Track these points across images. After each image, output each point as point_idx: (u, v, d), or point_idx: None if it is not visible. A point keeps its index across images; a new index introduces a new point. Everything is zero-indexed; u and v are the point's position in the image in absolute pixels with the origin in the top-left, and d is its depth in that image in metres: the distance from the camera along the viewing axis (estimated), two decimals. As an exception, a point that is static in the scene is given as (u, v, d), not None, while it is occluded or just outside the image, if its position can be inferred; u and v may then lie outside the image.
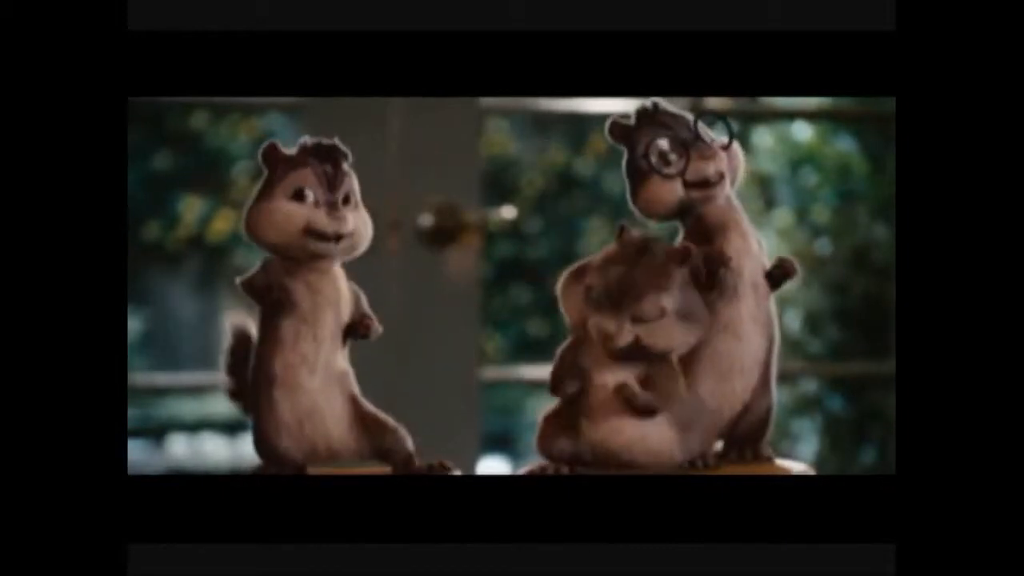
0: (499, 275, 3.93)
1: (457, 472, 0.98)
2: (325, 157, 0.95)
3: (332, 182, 0.94)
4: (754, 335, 1.00)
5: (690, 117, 1.01)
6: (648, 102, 1.01)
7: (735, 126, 1.03)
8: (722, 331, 0.99)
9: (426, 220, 1.80)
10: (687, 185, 0.99)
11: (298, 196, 0.94)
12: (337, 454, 0.95)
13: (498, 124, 3.96)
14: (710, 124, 1.02)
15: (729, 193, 1.02)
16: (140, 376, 3.04)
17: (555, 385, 0.96)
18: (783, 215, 3.39)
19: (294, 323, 0.95)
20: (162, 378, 3.48)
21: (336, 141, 0.96)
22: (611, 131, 1.01)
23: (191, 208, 4.10)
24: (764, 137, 3.41)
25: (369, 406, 0.96)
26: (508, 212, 1.99)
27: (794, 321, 3.28)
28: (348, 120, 1.81)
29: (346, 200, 0.95)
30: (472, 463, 1.83)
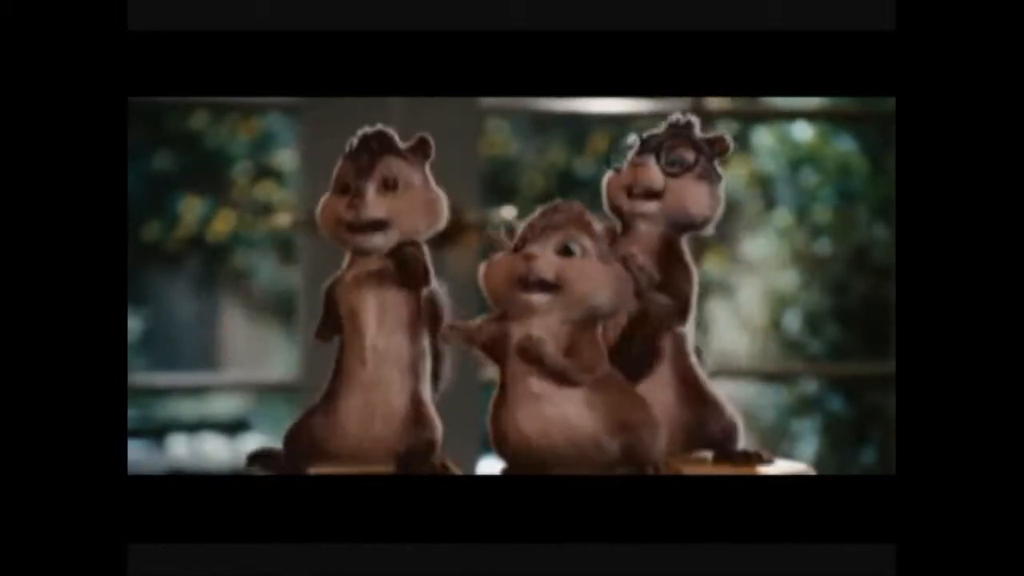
0: (499, 275, 3.91)
1: (458, 472, 0.98)
2: (362, 147, 0.96)
3: (362, 171, 0.95)
4: (667, 370, 1.00)
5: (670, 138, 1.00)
6: (684, 117, 1.01)
7: (730, 138, 1.02)
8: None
9: (426, 220, 1.79)
10: (629, 194, 1.00)
11: (343, 190, 0.95)
12: (380, 451, 0.95)
13: (498, 124, 3.95)
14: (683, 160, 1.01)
15: (661, 223, 1.00)
16: (140, 376, 3.04)
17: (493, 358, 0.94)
18: (783, 215, 3.39)
19: (347, 325, 0.96)
20: (162, 378, 3.48)
21: (380, 127, 0.97)
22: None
23: (191, 208, 4.10)
24: (764, 137, 3.41)
25: (427, 402, 0.96)
26: (508, 212, 1.98)
27: (794, 321, 3.28)
28: (348, 120, 1.81)
29: (386, 185, 0.95)
30: (472, 463, 1.83)
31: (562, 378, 0.91)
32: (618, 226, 0.99)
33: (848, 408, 3.22)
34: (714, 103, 2.28)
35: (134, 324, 4.05)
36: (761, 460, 1.00)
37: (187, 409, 4.20)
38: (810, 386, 3.26)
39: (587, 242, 0.92)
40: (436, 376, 0.98)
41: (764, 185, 3.42)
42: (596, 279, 0.92)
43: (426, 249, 0.98)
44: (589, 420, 0.92)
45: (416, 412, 0.95)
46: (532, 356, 0.91)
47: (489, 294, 0.94)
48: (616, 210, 1.01)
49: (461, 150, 1.86)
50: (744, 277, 3.49)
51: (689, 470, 0.97)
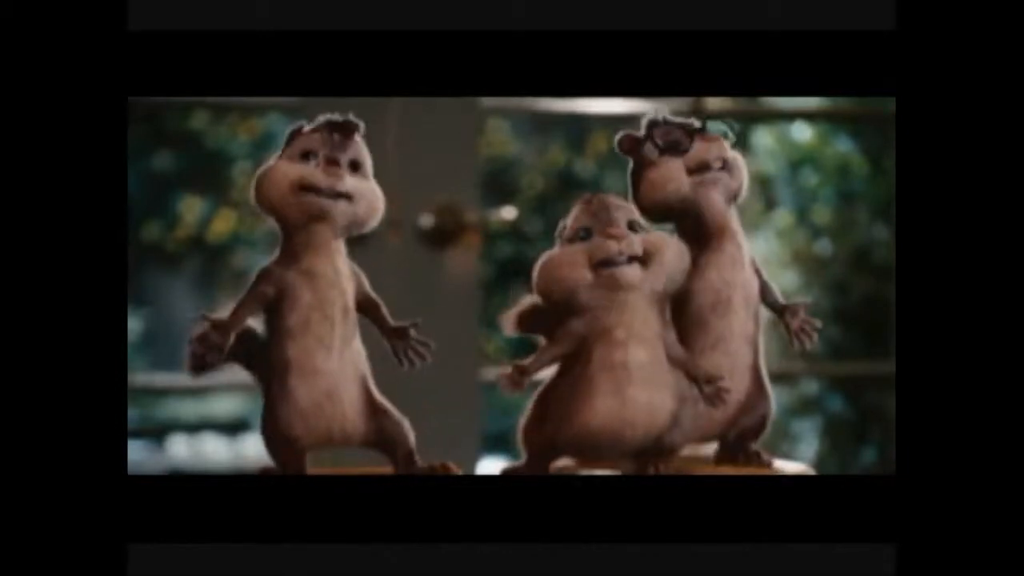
0: (499, 275, 3.93)
1: (458, 472, 0.98)
2: (335, 127, 0.96)
3: (336, 145, 0.95)
4: (742, 350, 1.00)
5: (696, 122, 1.01)
6: (658, 114, 1.01)
7: (736, 128, 1.03)
8: (711, 348, 0.99)
9: (426, 220, 1.80)
10: (689, 172, 1.00)
11: (304, 157, 0.95)
12: (349, 437, 0.96)
13: (498, 124, 3.95)
14: (720, 130, 1.02)
15: (727, 195, 1.01)
16: (140, 376, 3.04)
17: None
18: (783, 215, 3.39)
19: (303, 311, 0.95)
20: (162, 378, 3.48)
21: (350, 116, 0.97)
22: (620, 144, 1.02)
23: (191, 208, 4.10)
24: (764, 137, 3.41)
25: (380, 396, 0.97)
26: (508, 212, 1.99)
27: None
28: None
29: (354, 166, 0.95)
30: (472, 463, 1.83)
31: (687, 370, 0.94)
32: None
33: (848, 408, 3.21)
34: (714, 103, 2.28)
35: (134, 324, 4.05)
36: (761, 460, 1.00)
37: (187, 409, 4.20)
38: (810, 386, 3.26)
39: (642, 220, 0.95)
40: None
41: (764, 185, 3.41)
42: (675, 249, 0.94)
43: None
44: (669, 404, 0.94)
45: (374, 402, 0.96)
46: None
47: (557, 286, 0.94)
48: (667, 202, 1.00)
49: (461, 150, 1.86)
50: (744, 277, 3.48)
51: (690, 470, 0.97)
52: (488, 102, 1.99)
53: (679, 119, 1.01)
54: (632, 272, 0.93)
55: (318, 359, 0.94)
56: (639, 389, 0.93)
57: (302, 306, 0.94)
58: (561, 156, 4.04)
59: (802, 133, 3.36)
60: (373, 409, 0.96)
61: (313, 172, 0.94)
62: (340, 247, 0.96)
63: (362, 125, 0.97)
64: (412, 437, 0.97)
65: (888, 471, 2.85)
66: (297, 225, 0.95)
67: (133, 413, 3.63)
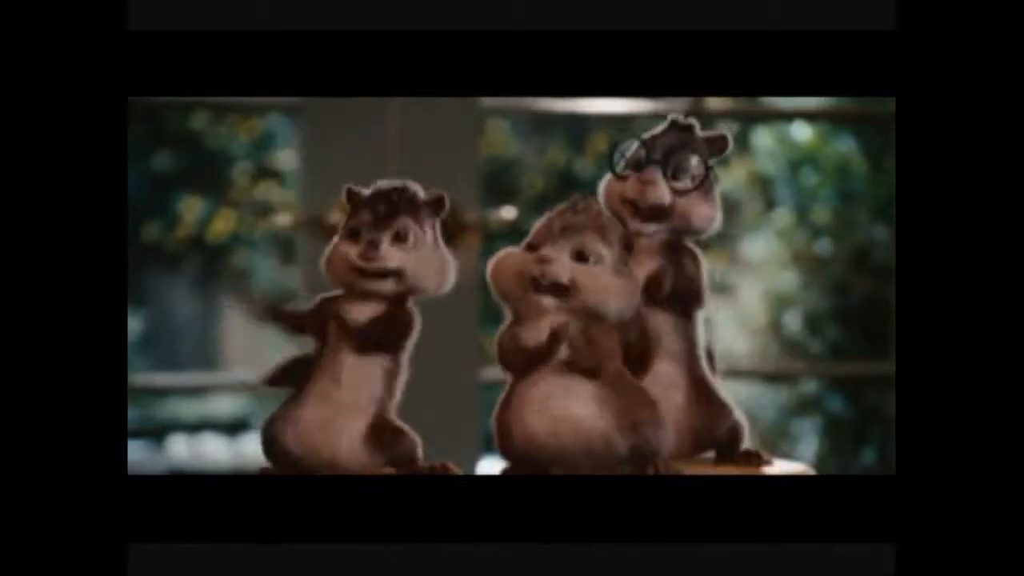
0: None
1: (458, 472, 0.98)
2: (382, 198, 0.96)
3: (381, 221, 0.95)
4: (670, 370, 0.99)
5: (645, 154, 1.00)
6: (684, 119, 1.01)
7: (712, 164, 1.01)
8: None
9: (426, 220, 1.80)
10: (634, 208, 0.99)
11: (353, 236, 0.96)
12: (340, 466, 0.96)
13: (498, 124, 3.96)
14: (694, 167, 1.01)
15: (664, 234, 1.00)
16: (140, 376, 3.04)
17: (507, 366, 0.94)
18: (783, 215, 3.39)
19: (330, 341, 0.96)
20: (162, 378, 3.48)
21: (404, 182, 0.97)
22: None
23: (191, 208, 4.10)
24: (764, 137, 3.41)
25: (393, 418, 0.97)
26: (508, 212, 1.98)
27: (794, 322, 3.28)
28: (348, 120, 1.81)
29: (397, 237, 0.95)
30: (472, 463, 1.83)
31: (586, 370, 0.92)
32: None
33: (848, 408, 3.21)
34: (714, 103, 2.28)
35: (134, 324, 4.05)
36: (761, 460, 1.00)
37: (187, 409, 4.20)
38: (810, 386, 3.26)
39: (603, 249, 0.93)
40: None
41: (764, 185, 3.42)
42: (608, 289, 0.93)
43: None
44: (598, 418, 0.92)
45: (381, 432, 0.96)
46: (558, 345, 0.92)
47: (497, 289, 0.95)
48: (616, 215, 1.00)
49: (461, 150, 1.86)
50: (744, 277, 3.49)
51: (689, 470, 0.97)
52: (488, 102, 1.99)
53: (638, 148, 1.00)
54: (546, 300, 0.93)
55: (327, 386, 0.96)
56: (559, 402, 0.92)
57: (330, 339, 0.96)
58: (561, 156, 4.04)
59: (802, 133, 3.37)
60: (383, 435, 0.96)
61: (352, 256, 0.95)
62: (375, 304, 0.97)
63: (411, 190, 0.97)
64: (420, 451, 0.97)
65: (888, 471, 2.85)
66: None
67: (133, 413, 3.63)
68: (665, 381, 0.98)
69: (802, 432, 3.24)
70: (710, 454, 1.01)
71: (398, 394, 0.97)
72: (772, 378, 3.18)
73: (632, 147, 1.01)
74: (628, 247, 0.95)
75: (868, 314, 3.14)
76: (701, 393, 1.00)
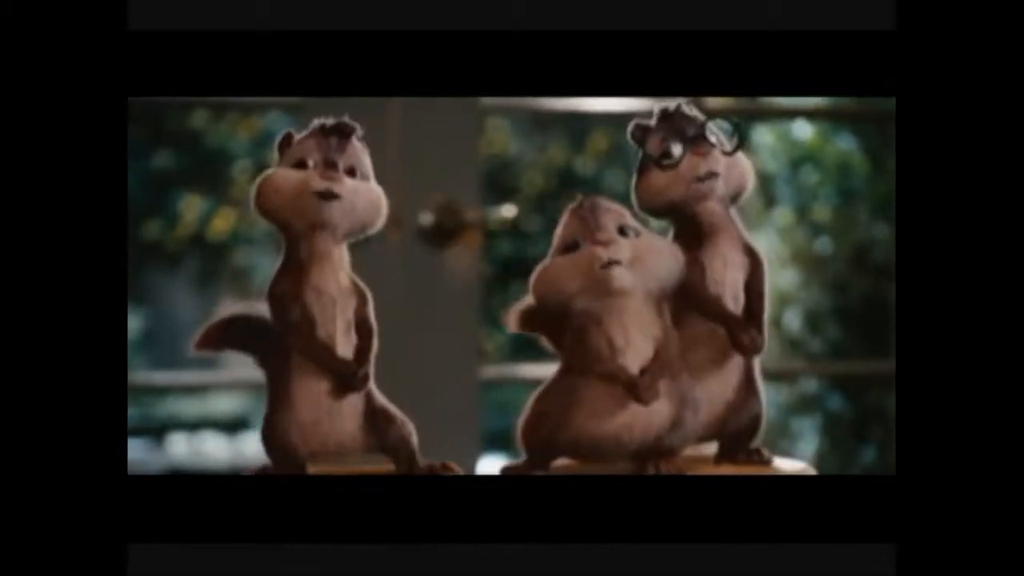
0: (499, 274, 3.93)
1: (458, 472, 0.98)
2: (331, 132, 0.96)
3: (333, 149, 0.95)
4: (730, 348, 1.00)
5: (701, 119, 1.01)
6: (670, 105, 1.02)
7: (742, 128, 1.03)
8: (700, 345, 0.99)
9: (426, 219, 1.80)
10: (679, 183, 1.00)
11: (300, 165, 0.95)
12: (345, 449, 0.96)
13: (498, 124, 3.96)
14: (725, 129, 1.03)
15: (724, 198, 1.01)
16: (140, 376, 3.04)
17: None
18: (783, 214, 3.39)
19: (308, 325, 0.95)
20: (162, 378, 3.48)
21: (345, 119, 0.97)
22: (632, 135, 1.02)
23: (191, 207, 4.10)
24: (764, 136, 3.41)
25: (382, 399, 0.97)
26: (508, 211, 1.98)
27: (794, 321, 3.28)
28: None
29: (350, 171, 0.95)
30: (472, 463, 1.83)
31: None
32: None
33: (848, 408, 3.21)
34: (714, 103, 2.28)
35: (134, 323, 4.05)
36: (762, 458, 1.00)
37: (187, 408, 4.20)
38: (810, 385, 3.26)
39: (633, 222, 0.95)
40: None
41: (764, 184, 3.41)
42: (663, 251, 0.95)
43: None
44: (667, 408, 0.94)
45: (376, 409, 0.97)
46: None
47: (552, 298, 0.95)
48: (663, 206, 1.01)
49: (461, 150, 1.86)
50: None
51: (690, 470, 0.97)
52: (488, 102, 1.99)
53: (691, 113, 1.01)
54: (621, 276, 0.93)
55: (321, 374, 0.95)
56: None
57: (308, 321, 0.95)
58: (561, 155, 4.05)
59: (803, 131, 3.36)
60: (375, 417, 0.96)
61: (310, 176, 0.95)
62: (344, 256, 0.96)
63: (359, 128, 0.97)
64: (415, 439, 0.97)
65: (888, 471, 2.85)
66: (299, 233, 0.95)
67: (133, 412, 3.63)
68: (722, 361, 1.00)
69: (802, 431, 3.24)
70: (709, 453, 1.01)
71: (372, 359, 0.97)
72: (772, 377, 3.18)
73: (653, 141, 1.01)
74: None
75: (868, 313, 3.14)
76: (746, 375, 1.01)
